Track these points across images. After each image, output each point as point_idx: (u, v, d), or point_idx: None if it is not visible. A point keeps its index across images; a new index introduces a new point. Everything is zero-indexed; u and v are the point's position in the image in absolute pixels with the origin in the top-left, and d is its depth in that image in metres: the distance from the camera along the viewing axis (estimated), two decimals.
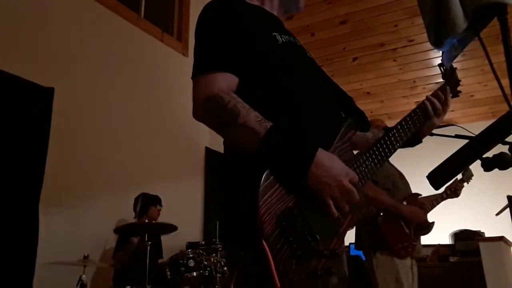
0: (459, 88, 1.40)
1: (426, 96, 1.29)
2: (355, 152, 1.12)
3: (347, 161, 1.02)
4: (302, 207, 0.91)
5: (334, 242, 0.97)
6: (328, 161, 0.92)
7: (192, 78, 1.04)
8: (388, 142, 1.13)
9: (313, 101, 1.08)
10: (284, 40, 1.09)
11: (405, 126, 1.19)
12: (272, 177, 0.88)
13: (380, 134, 1.27)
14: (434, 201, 2.71)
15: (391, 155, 1.14)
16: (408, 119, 1.21)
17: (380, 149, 1.11)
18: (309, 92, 1.08)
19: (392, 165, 2.65)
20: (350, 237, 1.53)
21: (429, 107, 1.25)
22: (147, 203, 3.41)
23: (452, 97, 1.33)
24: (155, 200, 3.46)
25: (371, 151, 1.09)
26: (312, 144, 0.94)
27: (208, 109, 0.98)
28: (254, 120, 0.93)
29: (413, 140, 1.27)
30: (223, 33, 1.04)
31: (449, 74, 1.34)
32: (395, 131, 1.16)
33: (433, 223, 2.59)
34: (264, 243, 0.82)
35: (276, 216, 0.86)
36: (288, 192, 0.90)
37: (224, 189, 1.01)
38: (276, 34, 1.09)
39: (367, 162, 1.06)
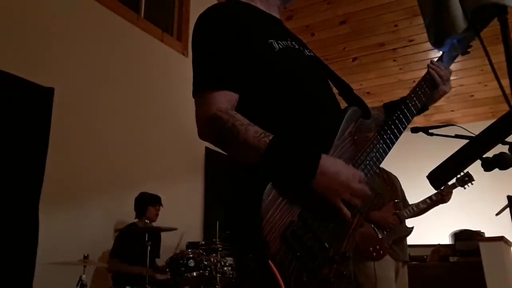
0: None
1: (429, 64, 1.24)
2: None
3: (348, 159, 1.00)
4: (306, 219, 0.90)
5: (345, 244, 0.97)
6: (334, 167, 0.91)
7: (193, 97, 1.04)
8: (393, 127, 1.11)
9: (314, 104, 1.07)
10: (281, 47, 1.07)
11: (410, 105, 1.15)
12: (273, 192, 0.87)
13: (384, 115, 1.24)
14: (415, 206, 2.81)
15: (398, 138, 1.11)
16: (412, 95, 1.17)
17: (385, 136, 1.08)
18: (308, 95, 1.07)
19: (381, 171, 2.70)
20: None
21: (436, 74, 1.21)
22: (145, 203, 3.40)
23: (462, 54, 1.26)
24: (154, 200, 3.43)
25: (375, 141, 1.07)
26: (314, 152, 0.93)
27: (209, 130, 0.98)
28: (253, 137, 0.91)
29: (420, 109, 1.24)
30: (219, 49, 1.03)
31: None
32: (399, 112, 1.13)
33: (412, 227, 2.69)
34: (271, 263, 0.82)
35: (281, 233, 0.85)
36: (291, 206, 0.89)
37: (229, 202, 1.01)
38: (272, 41, 1.07)
39: (371, 154, 1.05)
